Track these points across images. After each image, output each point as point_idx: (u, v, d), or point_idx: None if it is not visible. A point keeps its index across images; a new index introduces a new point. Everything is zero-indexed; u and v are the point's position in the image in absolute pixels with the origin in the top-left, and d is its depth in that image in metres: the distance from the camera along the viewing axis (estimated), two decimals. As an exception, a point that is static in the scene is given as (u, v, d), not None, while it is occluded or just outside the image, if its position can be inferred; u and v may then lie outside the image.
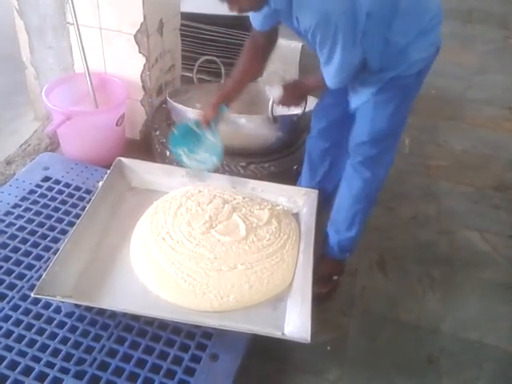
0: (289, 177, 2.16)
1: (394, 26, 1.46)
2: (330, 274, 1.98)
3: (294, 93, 1.91)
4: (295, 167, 2.21)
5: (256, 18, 1.65)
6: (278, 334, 1.53)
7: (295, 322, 1.56)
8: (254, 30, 1.70)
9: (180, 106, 2.16)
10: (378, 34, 1.46)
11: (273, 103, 1.98)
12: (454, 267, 2.18)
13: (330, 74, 1.52)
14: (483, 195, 2.58)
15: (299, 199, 2.00)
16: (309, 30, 1.40)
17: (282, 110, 2.05)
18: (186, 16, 2.63)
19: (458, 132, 3.08)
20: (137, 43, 2.22)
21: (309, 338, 1.44)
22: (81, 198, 2.00)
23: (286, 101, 1.92)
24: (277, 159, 2.20)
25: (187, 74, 2.71)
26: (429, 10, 1.53)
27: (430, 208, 2.46)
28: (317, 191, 1.96)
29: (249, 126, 2.10)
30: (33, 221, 1.89)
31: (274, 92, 1.88)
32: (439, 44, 1.59)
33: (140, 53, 2.25)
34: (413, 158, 2.77)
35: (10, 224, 1.87)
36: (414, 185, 2.59)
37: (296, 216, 1.98)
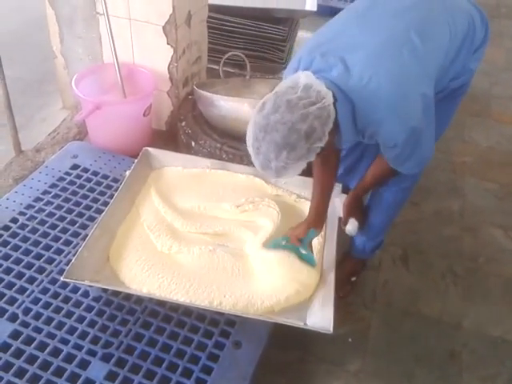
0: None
1: (453, 66, 1.48)
2: (350, 275, 1.99)
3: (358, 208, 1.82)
4: (319, 160, 2.22)
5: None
6: (300, 324, 1.55)
7: (318, 313, 1.58)
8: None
9: (208, 95, 2.18)
10: (440, 82, 1.47)
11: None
12: (477, 263, 2.17)
13: (413, 164, 1.50)
14: (508, 192, 2.56)
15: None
16: (391, 145, 1.40)
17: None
18: (213, 8, 2.64)
19: (483, 128, 3.05)
20: (165, 34, 2.24)
21: (331, 329, 1.46)
22: (108, 186, 2.04)
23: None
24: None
25: (212, 65, 2.72)
26: (480, 34, 1.54)
27: (454, 204, 2.45)
28: (340, 184, 1.96)
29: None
30: (62, 207, 1.93)
31: (351, 227, 1.79)
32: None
33: (168, 44, 2.27)
34: (438, 154, 2.71)
35: (40, 210, 1.91)
36: (438, 180, 2.57)
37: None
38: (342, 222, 1.81)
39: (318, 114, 1.22)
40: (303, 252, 1.70)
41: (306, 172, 1.99)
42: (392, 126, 1.33)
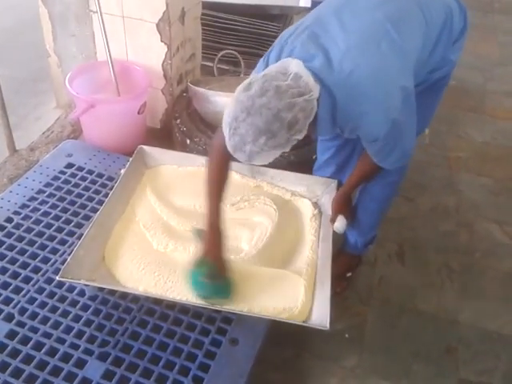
0: (308, 166, 2.16)
1: (432, 57, 1.48)
2: (346, 271, 2.00)
3: (347, 204, 1.81)
4: (314, 156, 2.21)
5: None
6: (297, 321, 1.55)
7: (314, 309, 1.58)
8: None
9: (203, 91, 2.17)
10: (418, 74, 1.47)
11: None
12: (473, 258, 2.18)
13: (395, 158, 1.50)
14: (503, 187, 2.57)
15: (318, 188, 2.01)
16: (372, 140, 1.40)
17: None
18: (207, 5, 2.63)
19: (478, 124, 3.05)
20: (159, 32, 2.23)
21: (328, 325, 1.46)
22: (103, 185, 2.03)
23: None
24: (296, 148, 2.17)
25: (207, 63, 2.72)
26: (458, 24, 1.52)
27: (449, 199, 2.46)
28: (336, 181, 1.96)
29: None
30: (57, 206, 1.92)
31: (339, 224, 1.78)
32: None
33: (162, 41, 2.26)
34: (433, 150, 2.75)
35: (35, 209, 1.90)
36: (433, 176, 2.58)
37: (315, 205, 1.99)
38: (331, 219, 1.81)
39: (304, 106, 1.21)
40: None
41: (302, 169, 2.02)
42: (373, 120, 1.34)
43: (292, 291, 1.62)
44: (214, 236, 1.53)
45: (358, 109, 1.31)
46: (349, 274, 2.00)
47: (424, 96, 1.56)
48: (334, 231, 1.79)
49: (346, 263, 2.00)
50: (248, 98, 1.20)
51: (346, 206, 1.79)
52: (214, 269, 1.51)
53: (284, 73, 1.24)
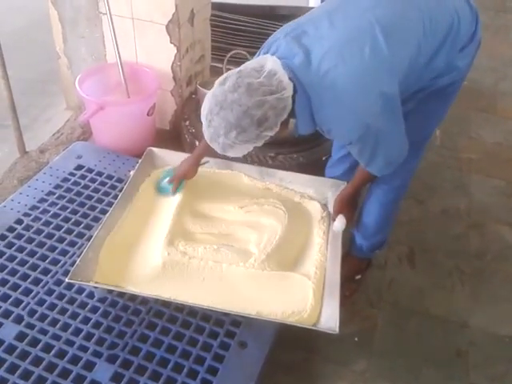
0: (317, 167, 2.15)
1: (433, 64, 1.44)
2: (354, 274, 1.98)
3: (349, 205, 1.81)
4: (324, 158, 2.20)
5: None
6: (306, 324, 1.54)
7: (323, 313, 1.57)
8: None
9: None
10: (416, 80, 1.44)
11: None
12: (484, 261, 2.15)
13: (380, 165, 1.50)
14: (515, 189, 2.54)
15: (327, 190, 2.00)
16: (347, 143, 1.41)
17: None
18: (216, 6, 2.63)
19: (489, 124, 3.03)
20: (168, 33, 2.23)
21: (337, 329, 1.45)
22: (113, 187, 2.04)
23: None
24: (305, 150, 2.20)
25: (216, 64, 2.72)
26: (468, 30, 1.48)
27: (460, 201, 2.44)
28: (345, 183, 1.94)
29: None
30: (66, 208, 1.92)
31: (338, 224, 1.77)
32: (480, 38, 1.54)
33: (171, 43, 2.26)
34: (444, 151, 2.73)
35: (44, 211, 1.91)
36: (444, 178, 2.56)
37: (324, 207, 1.98)
38: (331, 218, 1.81)
39: (275, 105, 1.23)
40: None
41: (311, 170, 2.01)
42: (344, 123, 1.34)
43: (301, 294, 1.61)
44: (190, 158, 1.80)
45: (330, 110, 1.32)
46: (358, 277, 1.99)
47: (429, 102, 1.54)
48: (342, 233, 1.78)
49: (355, 266, 1.98)
50: (222, 92, 1.25)
51: (347, 206, 1.79)
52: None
53: (258, 70, 1.26)
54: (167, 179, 1.88)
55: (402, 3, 1.41)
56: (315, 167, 2.11)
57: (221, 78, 1.29)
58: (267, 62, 1.28)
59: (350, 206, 1.80)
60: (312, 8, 2.90)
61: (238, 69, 1.28)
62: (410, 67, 1.38)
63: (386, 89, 1.33)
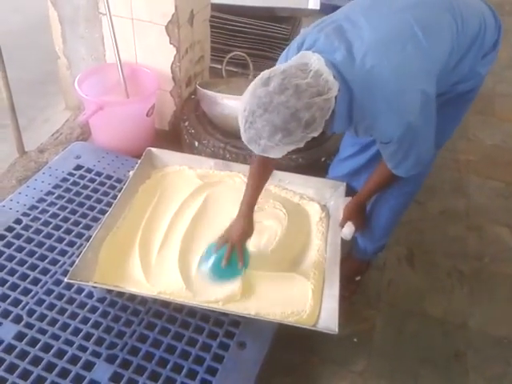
0: (317, 168, 2.15)
1: (459, 67, 1.45)
2: (355, 275, 1.98)
3: (360, 212, 1.80)
4: (323, 159, 2.21)
5: None
6: (305, 325, 1.54)
7: (323, 313, 1.57)
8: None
9: (211, 93, 2.17)
10: (443, 83, 1.44)
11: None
12: (482, 262, 2.16)
13: (409, 166, 1.47)
14: (513, 191, 2.55)
15: (326, 191, 2.00)
16: (386, 141, 1.39)
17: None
18: (216, 7, 2.63)
19: (488, 127, 3.03)
20: (168, 34, 2.23)
21: (336, 329, 1.45)
22: (112, 187, 2.04)
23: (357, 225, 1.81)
24: (305, 151, 2.18)
25: (215, 65, 2.72)
26: (491, 37, 1.50)
27: (459, 203, 2.44)
28: (344, 183, 1.95)
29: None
30: (65, 208, 1.93)
31: (347, 231, 1.77)
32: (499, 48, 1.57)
33: (171, 44, 2.26)
34: (443, 152, 2.69)
35: (44, 211, 1.91)
36: (443, 179, 2.56)
37: (323, 208, 1.98)
38: (340, 224, 1.79)
39: (322, 106, 1.21)
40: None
41: (310, 171, 2.02)
42: (388, 119, 1.32)
43: (300, 295, 1.61)
44: (242, 225, 1.63)
45: (374, 106, 1.30)
46: (358, 278, 1.99)
47: (447, 107, 1.53)
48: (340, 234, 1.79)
49: (355, 267, 1.98)
50: (266, 93, 1.19)
51: (357, 213, 1.77)
52: (234, 258, 1.61)
53: (304, 69, 1.22)
54: (222, 263, 1.62)
55: (435, 3, 1.42)
56: (314, 168, 2.11)
57: (262, 78, 1.23)
58: (311, 61, 1.24)
59: (361, 213, 1.78)
60: (312, 10, 2.92)
61: (282, 68, 1.23)
62: (443, 68, 1.39)
63: (426, 87, 1.33)
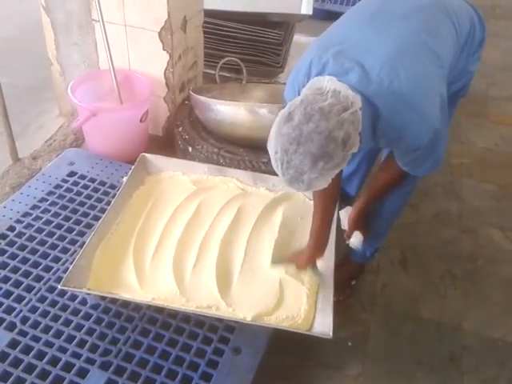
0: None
1: (455, 67, 1.48)
2: (350, 279, 1.99)
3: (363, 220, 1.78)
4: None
5: None
6: (299, 330, 1.54)
7: (317, 318, 1.58)
8: None
9: (205, 99, 2.18)
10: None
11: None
12: (476, 265, 2.16)
13: (428, 166, 1.48)
14: (506, 193, 2.56)
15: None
16: (413, 149, 1.38)
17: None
18: (209, 13, 2.64)
19: (480, 129, 3.05)
20: (161, 40, 2.24)
21: (331, 334, 1.46)
22: (106, 193, 2.03)
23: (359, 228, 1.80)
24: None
25: (208, 70, 2.72)
26: (478, 35, 1.54)
27: (452, 206, 2.45)
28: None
29: (270, 117, 2.09)
30: (59, 215, 1.92)
31: (355, 241, 1.75)
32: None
33: (164, 50, 2.27)
34: (435, 156, 2.74)
35: (37, 218, 1.90)
36: (436, 182, 2.57)
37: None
38: (346, 235, 1.77)
39: (352, 120, 1.17)
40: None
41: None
42: (417, 129, 1.30)
43: (294, 300, 1.62)
44: (314, 255, 1.67)
45: (402, 119, 1.28)
46: (353, 282, 1.99)
47: None
48: (336, 239, 1.78)
49: (350, 271, 1.99)
50: (293, 128, 1.16)
51: (362, 221, 1.76)
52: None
53: (321, 93, 1.19)
54: None
55: (432, 8, 1.43)
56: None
57: (283, 115, 1.19)
58: (324, 83, 1.22)
59: (365, 220, 1.76)
60: (305, 15, 2.94)
61: (299, 100, 1.20)
62: (448, 71, 1.41)
63: (442, 90, 1.35)
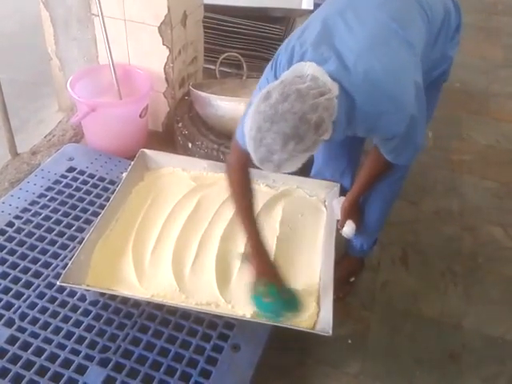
0: (311, 170, 2.15)
1: (432, 54, 1.50)
2: (349, 276, 1.98)
3: (356, 209, 1.80)
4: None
5: None
6: (299, 327, 1.54)
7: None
8: (241, 150, 1.43)
9: (205, 95, 2.17)
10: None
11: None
12: (476, 262, 2.16)
13: (409, 154, 1.50)
14: (507, 191, 2.54)
15: (321, 192, 2.00)
16: (390, 137, 1.40)
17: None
18: (209, 7, 2.62)
19: (481, 126, 3.03)
20: (160, 35, 2.23)
21: (330, 331, 1.45)
22: (105, 189, 2.03)
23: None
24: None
25: (209, 66, 2.71)
26: (454, 21, 1.55)
27: (453, 203, 2.44)
28: (339, 184, 1.95)
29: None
30: (58, 210, 1.91)
31: (347, 230, 1.76)
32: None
33: (164, 45, 2.26)
34: (436, 152, 2.74)
35: (36, 213, 1.90)
36: (437, 179, 2.56)
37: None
38: (339, 224, 1.79)
39: (327, 106, 1.19)
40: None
41: (305, 172, 2.01)
42: (393, 118, 1.33)
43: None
44: (260, 257, 1.55)
45: (378, 108, 1.30)
46: (352, 279, 1.98)
47: (427, 93, 1.55)
48: (336, 236, 1.78)
49: (349, 268, 1.98)
50: (270, 106, 1.18)
51: (355, 211, 1.78)
52: (272, 287, 1.49)
53: (300, 76, 1.22)
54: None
55: None
56: (309, 169, 2.11)
57: (262, 94, 1.21)
58: (305, 68, 1.24)
59: (357, 209, 1.79)
60: (306, 10, 2.92)
61: (279, 80, 1.23)
62: (422, 56, 1.42)
63: (416, 77, 1.36)
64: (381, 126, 1.36)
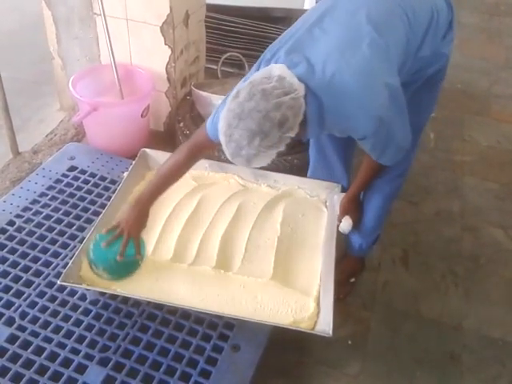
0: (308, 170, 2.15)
1: (420, 53, 1.50)
2: (349, 276, 1.98)
3: (355, 206, 1.83)
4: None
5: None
6: (300, 328, 1.53)
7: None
8: (209, 140, 1.52)
9: (206, 95, 2.17)
10: (409, 71, 1.50)
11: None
12: (477, 264, 2.16)
13: (392, 154, 1.52)
14: (508, 192, 2.54)
15: (322, 192, 2.00)
16: (361, 138, 1.43)
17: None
18: (211, 7, 2.62)
19: (483, 127, 3.03)
20: (163, 35, 2.23)
21: (331, 332, 1.44)
22: (106, 188, 2.03)
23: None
24: (300, 152, 2.19)
25: (210, 65, 2.71)
26: (446, 19, 1.54)
27: (454, 204, 2.44)
28: (340, 185, 1.95)
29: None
30: (59, 209, 1.91)
31: (344, 225, 1.78)
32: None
33: (166, 44, 2.26)
34: (437, 153, 2.74)
35: (37, 212, 1.90)
36: (438, 180, 2.56)
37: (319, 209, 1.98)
38: (337, 219, 1.81)
39: (291, 105, 1.24)
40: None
41: (306, 172, 2.01)
42: (359, 119, 1.36)
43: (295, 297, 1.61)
44: (139, 215, 1.60)
45: (344, 110, 1.34)
46: (352, 280, 1.98)
47: (421, 93, 1.60)
48: (337, 236, 1.78)
49: (350, 268, 1.98)
50: (238, 104, 1.25)
51: (353, 207, 1.81)
52: (131, 248, 1.55)
53: (268, 77, 1.28)
54: (118, 257, 1.51)
55: (383, 1, 1.46)
56: (306, 170, 2.11)
57: (233, 93, 1.30)
58: (273, 69, 1.30)
59: (356, 206, 1.82)
60: (306, 10, 2.92)
61: (248, 80, 1.30)
62: (404, 58, 1.44)
63: (390, 80, 1.38)
64: (350, 127, 1.41)
